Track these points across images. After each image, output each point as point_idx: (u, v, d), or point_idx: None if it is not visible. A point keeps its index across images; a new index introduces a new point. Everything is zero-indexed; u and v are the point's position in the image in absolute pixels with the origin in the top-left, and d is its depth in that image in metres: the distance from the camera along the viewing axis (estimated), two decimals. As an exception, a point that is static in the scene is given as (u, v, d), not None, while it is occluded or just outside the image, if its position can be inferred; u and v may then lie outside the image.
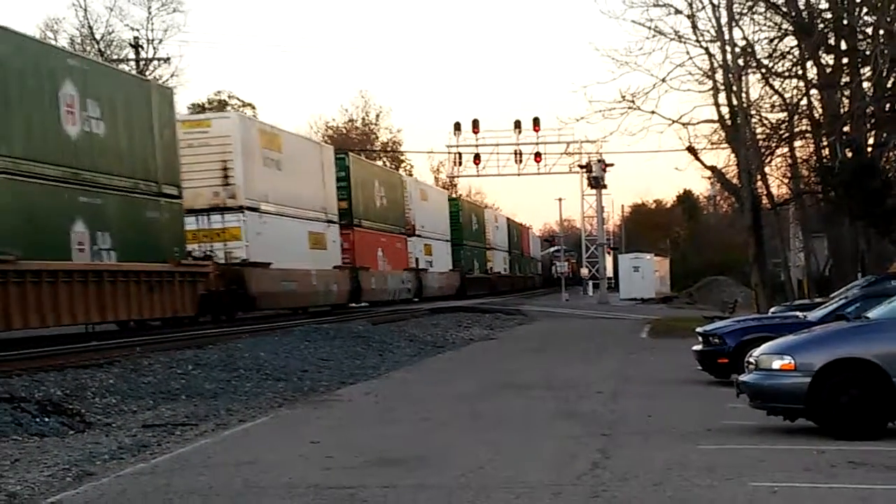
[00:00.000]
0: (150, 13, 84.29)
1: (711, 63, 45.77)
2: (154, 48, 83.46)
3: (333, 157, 59.14)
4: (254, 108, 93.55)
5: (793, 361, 15.84)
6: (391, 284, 67.56)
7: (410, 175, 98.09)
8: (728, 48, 43.96)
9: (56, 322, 31.78)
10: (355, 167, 63.13)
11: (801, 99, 45.29)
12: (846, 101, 43.46)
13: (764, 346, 16.77)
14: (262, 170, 47.78)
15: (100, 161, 34.67)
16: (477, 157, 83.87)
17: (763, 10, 44.49)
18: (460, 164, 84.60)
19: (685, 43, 45.60)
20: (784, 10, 43.54)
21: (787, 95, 45.26)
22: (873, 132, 43.58)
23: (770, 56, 44.89)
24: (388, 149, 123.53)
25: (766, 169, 47.64)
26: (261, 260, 45.87)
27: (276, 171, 49.25)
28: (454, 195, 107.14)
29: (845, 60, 43.21)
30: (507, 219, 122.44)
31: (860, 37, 41.64)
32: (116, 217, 35.52)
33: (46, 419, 18.36)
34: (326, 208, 55.76)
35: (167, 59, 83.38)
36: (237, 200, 45.51)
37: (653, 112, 46.06)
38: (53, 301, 31.20)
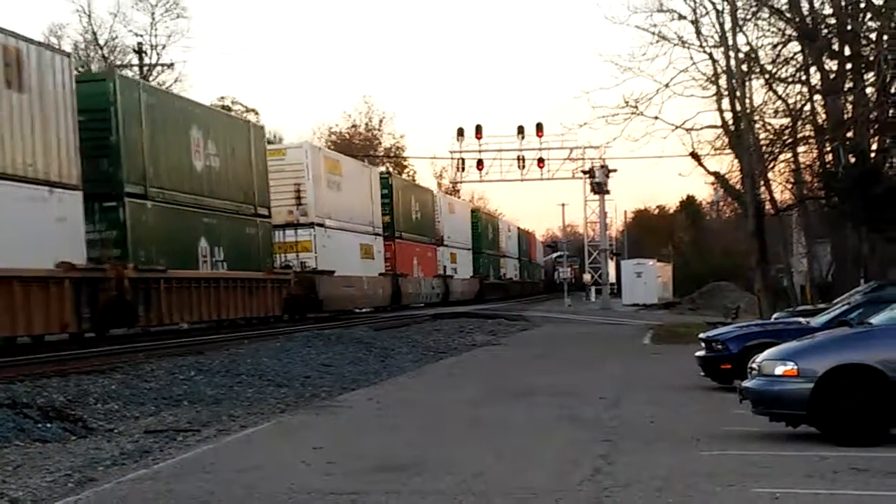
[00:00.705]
0: (153, 19, 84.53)
1: (715, 68, 45.85)
2: (158, 54, 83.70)
3: (379, 177, 69.25)
4: (257, 113, 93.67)
5: (796, 367, 15.81)
6: (424, 289, 76.75)
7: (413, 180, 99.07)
8: (731, 53, 44.02)
9: (188, 319, 41.14)
10: (396, 185, 73.48)
11: (804, 104, 45.30)
12: (850, 106, 43.47)
13: (767, 352, 16.75)
14: (326, 191, 56.96)
15: (216, 189, 43.85)
16: (480, 163, 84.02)
17: (767, 15, 44.51)
18: (463, 169, 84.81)
19: (689, 48, 45.73)
20: (788, 15, 43.55)
21: (790, 101, 45.29)
22: (877, 138, 43.59)
23: (773, 61, 44.92)
24: (391, 154, 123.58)
25: (770, 174, 47.67)
26: (326, 269, 55.03)
27: (336, 192, 58.46)
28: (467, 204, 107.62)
29: (849, 66, 43.18)
30: (518, 228, 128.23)
31: (864, 42, 41.67)
32: (226, 234, 44.58)
33: (48, 425, 18.35)
34: (373, 222, 65.15)
35: (171, 65, 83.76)
36: (308, 218, 54.83)
37: (656, 118, 46.17)
38: (189, 302, 40.19)
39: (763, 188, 46.84)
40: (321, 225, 55.87)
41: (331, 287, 55.06)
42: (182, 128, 41.72)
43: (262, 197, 49.03)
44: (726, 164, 50.18)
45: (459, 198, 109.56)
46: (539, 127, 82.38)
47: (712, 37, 45.12)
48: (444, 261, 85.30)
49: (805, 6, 43.56)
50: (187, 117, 42.51)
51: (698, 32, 45.35)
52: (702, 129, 47.53)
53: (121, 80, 39.12)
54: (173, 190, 40.42)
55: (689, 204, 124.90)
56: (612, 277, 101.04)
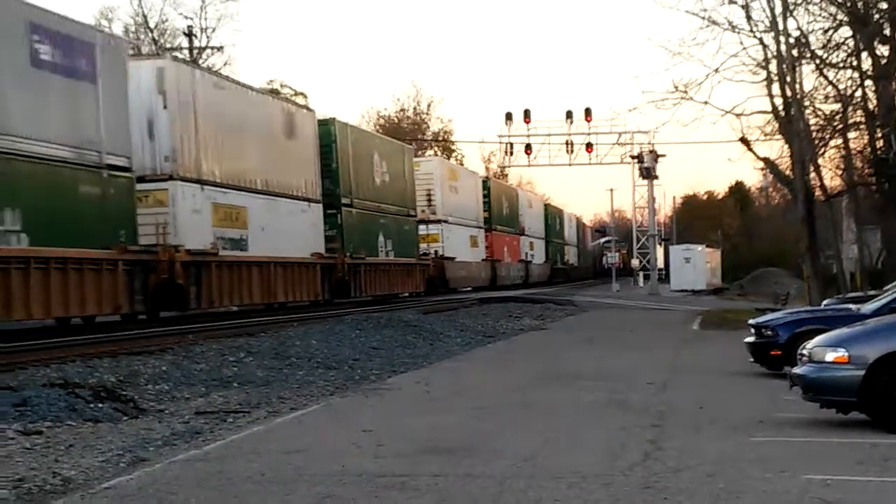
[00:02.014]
0: (203, 2, 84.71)
1: (765, 53, 45.52)
2: (207, 37, 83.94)
3: (481, 181, 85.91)
4: (305, 96, 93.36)
5: (846, 354, 15.74)
6: (512, 273, 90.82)
7: (460, 163, 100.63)
8: (782, 38, 43.68)
9: (375, 292, 54.80)
10: (493, 186, 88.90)
11: (855, 90, 45.02)
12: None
13: (817, 339, 16.66)
14: (448, 194, 72.41)
15: (387, 197, 58.13)
16: (528, 147, 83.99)
17: (818, 0, 44.22)
18: (511, 153, 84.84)
19: (739, 33, 45.39)
20: (839, 0, 43.24)
21: (841, 86, 45.01)
22: (928, 123, 43.24)
23: (824, 46, 44.64)
24: (440, 138, 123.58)
25: (820, 160, 47.37)
26: (450, 256, 70.57)
27: (454, 195, 74.02)
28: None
29: (901, 51, 42.86)
30: (576, 217, 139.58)
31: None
32: (393, 230, 58.78)
33: (100, 405, 18.50)
34: (478, 218, 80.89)
35: (220, 48, 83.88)
36: (437, 216, 70.30)
37: (706, 102, 45.92)
38: (375, 280, 54.80)
39: (813, 174, 46.54)
40: (445, 221, 71.24)
41: (454, 270, 71.22)
42: (368, 154, 56.33)
43: (412, 200, 63.87)
44: (776, 149, 49.95)
45: (507, 182, 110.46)
46: (588, 111, 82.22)
47: (762, 21, 44.83)
48: (525, 248, 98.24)
49: (857, -9, 43.27)
50: (371, 146, 57.93)
51: (748, 17, 45.08)
52: (751, 114, 47.25)
53: (337, 124, 53.10)
54: (364, 199, 54.51)
55: (738, 189, 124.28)
56: (661, 263, 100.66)
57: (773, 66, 45.22)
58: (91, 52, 32.65)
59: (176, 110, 37.27)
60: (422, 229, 66.56)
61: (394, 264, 58.00)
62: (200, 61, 77.03)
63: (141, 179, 35.51)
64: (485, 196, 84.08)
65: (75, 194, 31.66)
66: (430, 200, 69.31)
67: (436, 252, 68.06)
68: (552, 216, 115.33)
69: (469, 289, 75.43)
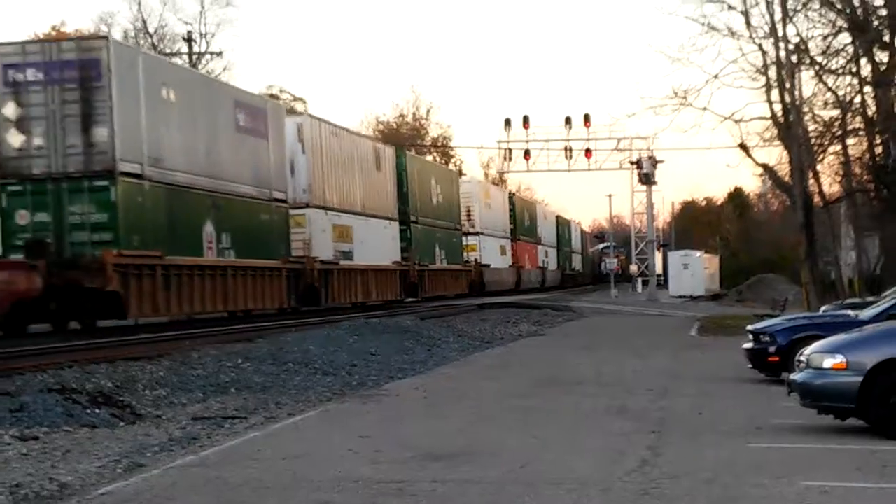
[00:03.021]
0: (203, 7, 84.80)
1: (764, 60, 45.58)
2: (207, 42, 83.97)
3: (508, 196, 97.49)
4: (304, 102, 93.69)
5: (844, 360, 15.73)
6: (532, 277, 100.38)
7: (461, 172, 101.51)
8: (781, 45, 43.75)
9: (433, 293, 66.06)
10: (517, 201, 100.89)
11: (854, 96, 45.07)
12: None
13: (815, 345, 16.67)
14: (483, 210, 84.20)
15: (440, 213, 70.85)
16: (527, 153, 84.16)
17: (817, 6, 44.34)
18: (510, 159, 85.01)
19: (738, 39, 45.52)
20: (838, 6, 43.31)
21: (840, 93, 45.09)
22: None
23: (824, 53, 44.71)
24: (439, 144, 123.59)
25: (819, 166, 47.46)
26: (486, 263, 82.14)
27: (488, 210, 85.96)
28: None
29: (900, 58, 42.87)
30: (580, 227, 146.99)
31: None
32: (445, 242, 71.43)
33: (97, 410, 18.48)
34: (505, 229, 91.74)
35: (219, 54, 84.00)
36: (475, 228, 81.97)
37: (705, 109, 46.04)
38: (435, 283, 67.16)
39: (812, 180, 46.57)
40: (481, 233, 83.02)
41: (489, 275, 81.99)
42: (428, 179, 69.40)
43: (458, 216, 76.21)
44: (775, 155, 50.02)
45: (506, 188, 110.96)
46: (587, 117, 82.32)
47: (762, 27, 44.92)
48: (542, 256, 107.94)
49: (856, -3, 43.31)
50: (430, 172, 71.54)
51: (748, 23, 45.15)
52: (751, 120, 47.34)
53: (407, 154, 68.69)
54: (426, 216, 66.94)
55: (736, 196, 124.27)
56: (659, 269, 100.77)
57: (772, 73, 45.29)
58: (264, 116, 45.04)
59: (310, 154, 49.41)
60: (462, 240, 78.19)
61: (447, 270, 71.26)
62: (199, 66, 77.09)
63: (287, 207, 47.67)
64: (510, 210, 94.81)
65: (258, 220, 43.63)
66: (469, 216, 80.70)
67: (475, 260, 79.95)
68: (562, 227, 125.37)
69: (500, 290, 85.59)
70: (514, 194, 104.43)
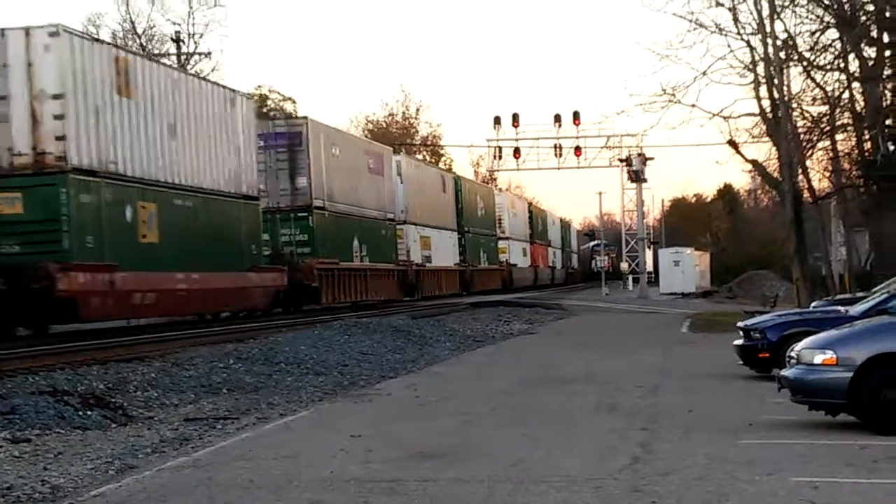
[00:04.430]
0: (191, 8, 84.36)
1: (752, 56, 45.64)
2: (195, 42, 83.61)
3: (527, 204, 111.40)
4: (294, 102, 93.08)
5: (834, 356, 15.76)
6: (544, 276, 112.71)
7: (450, 170, 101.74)
8: (769, 41, 43.77)
9: (480, 288, 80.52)
10: (533, 209, 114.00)
11: (842, 92, 45.11)
12: (888, 93, 43.21)
13: (805, 341, 16.69)
14: (511, 219, 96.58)
15: (483, 223, 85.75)
16: (517, 151, 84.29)
17: (805, 2, 44.43)
18: (500, 157, 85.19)
19: (726, 36, 45.56)
20: (826, 2, 43.37)
21: (828, 88, 45.12)
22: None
23: (812, 49, 44.75)
24: (428, 143, 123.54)
25: (808, 162, 47.51)
26: (514, 263, 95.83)
27: (514, 218, 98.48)
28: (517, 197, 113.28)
29: (888, 53, 42.96)
30: (577, 228, 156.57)
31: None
32: (486, 246, 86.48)
33: (89, 412, 18.46)
34: (525, 234, 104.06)
35: (208, 54, 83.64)
36: (505, 234, 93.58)
37: (693, 105, 46.11)
38: (481, 280, 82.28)
39: (801, 176, 46.62)
40: (510, 238, 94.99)
41: (516, 273, 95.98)
42: (474, 196, 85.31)
43: (493, 224, 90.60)
44: (764, 152, 50.07)
45: (497, 186, 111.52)
46: (576, 115, 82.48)
47: (750, 24, 44.96)
48: (551, 256, 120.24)
49: (843, -7, 43.34)
50: (475, 190, 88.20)
51: (736, 19, 45.21)
52: (739, 116, 47.42)
53: (459, 177, 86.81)
54: (474, 226, 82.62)
55: (726, 192, 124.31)
56: (650, 266, 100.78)
57: (760, 69, 45.34)
58: (381, 159, 62.76)
59: (405, 184, 66.18)
60: (497, 244, 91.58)
61: (488, 270, 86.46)
62: (188, 67, 76.96)
63: (391, 224, 63.60)
64: (529, 216, 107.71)
65: (379, 235, 60.61)
66: (500, 223, 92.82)
67: (506, 261, 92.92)
68: (564, 229, 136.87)
69: (521, 286, 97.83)
70: (531, 203, 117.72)
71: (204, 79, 48.61)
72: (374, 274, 57.95)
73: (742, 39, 45.64)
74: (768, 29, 43.52)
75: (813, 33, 44.78)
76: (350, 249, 55.24)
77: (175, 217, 37.21)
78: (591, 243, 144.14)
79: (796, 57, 45.12)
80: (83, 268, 31.65)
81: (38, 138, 31.57)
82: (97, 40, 36.74)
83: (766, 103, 45.68)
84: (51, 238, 31.25)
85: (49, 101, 31.58)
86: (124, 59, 35.48)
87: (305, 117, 54.60)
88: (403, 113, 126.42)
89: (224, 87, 44.19)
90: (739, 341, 24.54)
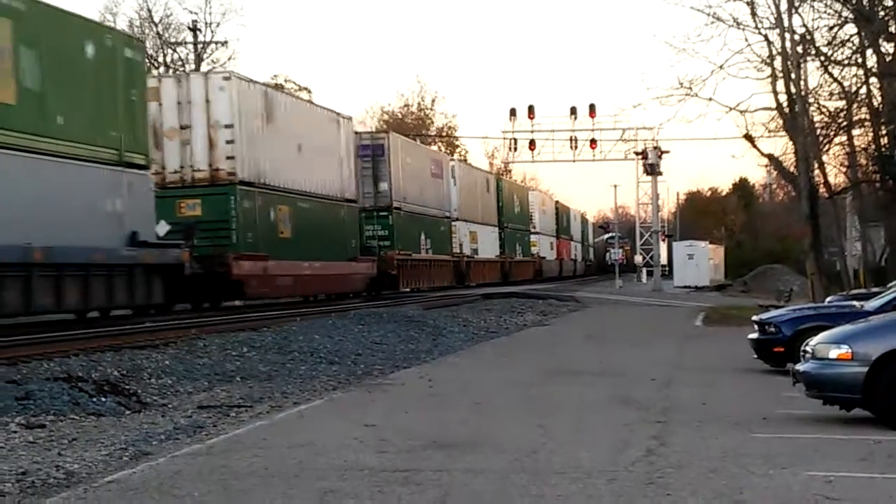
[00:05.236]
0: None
1: (770, 50, 45.58)
2: (212, 31, 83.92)
3: (554, 203, 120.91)
4: (310, 91, 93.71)
5: (850, 351, 15.74)
6: (567, 267, 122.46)
7: (465, 160, 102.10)
8: (787, 35, 43.75)
9: (518, 278, 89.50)
10: (560, 206, 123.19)
11: (860, 87, 44.98)
12: (905, 89, 43.01)
13: (820, 336, 16.66)
14: (541, 216, 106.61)
15: (519, 220, 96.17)
16: (532, 143, 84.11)
17: (823, -4, 44.18)
18: (515, 149, 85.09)
19: (744, 30, 45.47)
20: (844, -3, 43.20)
21: (845, 83, 44.98)
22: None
23: (829, 44, 44.64)
24: (444, 134, 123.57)
25: (824, 157, 47.36)
26: (543, 255, 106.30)
27: (543, 215, 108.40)
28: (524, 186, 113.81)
29: (905, 48, 42.75)
30: (592, 222, 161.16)
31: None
32: (520, 240, 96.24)
33: (103, 399, 18.48)
34: (552, 229, 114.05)
35: (224, 43, 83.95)
36: (536, 229, 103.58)
37: (710, 99, 46.00)
38: (518, 271, 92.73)
39: (817, 171, 46.54)
40: (540, 233, 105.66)
41: (545, 265, 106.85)
42: (512, 195, 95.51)
43: (527, 220, 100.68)
44: (780, 146, 49.96)
45: (511, 178, 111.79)
46: (592, 108, 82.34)
47: (767, 18, 44.88)
48: (573, 250, 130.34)
49: (862, -12, 43.22)
50: (514, 190, 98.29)
51: (753, 14, 45.13)
52: (756, 111, 47.30)
53: (500, 177, 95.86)
54: (511, 222, 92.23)
55: (742, 186, 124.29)
56: (664, 259, 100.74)
57: (777, 63, 45.28)
58: (440, 164, 73.41)
59: (458, 185, 75.93)
60: (530, 239, 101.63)
61: (523, 262, 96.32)
62: (205, 56, 77.13)
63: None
64: (556, 213, 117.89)
65: (438, 229, 70.09)
66: (531, 219, 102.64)
67: (536, 253, 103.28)
68: (584, 224, 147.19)
69: (548, 277, 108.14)
70: (558, 201, 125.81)
71: (317, 105, 56.72)
72: (437, 264, 68.43)
73: (760, 34, 45.60)
74: (786, 23, 43.49)
75: (831, 28, 44.70)
76: (419, 243, 64.84)
77: (301, 217, 46.80)
78: (605, 235, 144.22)
79: (814, 52, 45.04)
80: (247, 257, 41.46)
81: (214, 158, 41.26)
82: (252, 81, 45.12)
83: (782, 98, 45.61)
84: (224, 235, 40.88)
85: (222, 129, 41.25)
86: (270, 94, 46.30)
87: (387, 131, 66.81)
88: (419, 104, 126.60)
89: (331, 110, 53.61)
90: (754, 335, 24.53)
